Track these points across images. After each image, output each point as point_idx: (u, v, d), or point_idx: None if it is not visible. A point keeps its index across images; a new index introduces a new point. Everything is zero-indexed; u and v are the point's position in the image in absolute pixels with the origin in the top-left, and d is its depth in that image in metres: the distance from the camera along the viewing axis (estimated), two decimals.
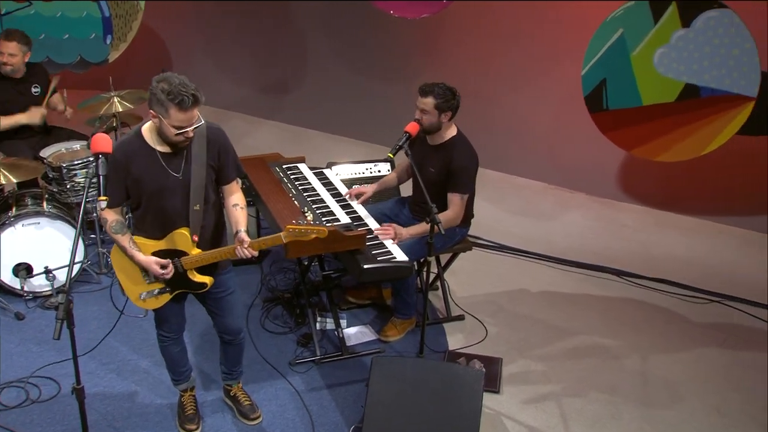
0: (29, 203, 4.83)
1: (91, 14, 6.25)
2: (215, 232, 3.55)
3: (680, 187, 6.44)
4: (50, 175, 4.93)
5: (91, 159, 4.53)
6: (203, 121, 3.26)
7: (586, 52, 4.91)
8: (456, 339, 4.76)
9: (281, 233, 3.45)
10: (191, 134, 3.19)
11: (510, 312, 5.07)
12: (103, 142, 3.05)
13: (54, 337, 2.75)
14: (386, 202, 4.91)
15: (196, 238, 3.41)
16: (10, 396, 4.06)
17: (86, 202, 3.19)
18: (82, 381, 3.09)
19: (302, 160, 5.00)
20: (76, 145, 5.15)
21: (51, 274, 4.77)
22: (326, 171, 5.05)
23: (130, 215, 3.50)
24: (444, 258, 4.98)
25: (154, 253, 3.40)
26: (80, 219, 3.07)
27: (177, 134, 3.14)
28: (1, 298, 4.77)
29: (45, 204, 4.82)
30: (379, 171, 5.40)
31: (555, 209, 6.63)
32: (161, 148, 3.27)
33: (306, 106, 8.02)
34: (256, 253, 3.43)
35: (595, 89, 4.95)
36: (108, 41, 6.37)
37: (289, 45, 7.87)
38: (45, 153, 5.10)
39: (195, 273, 3.48)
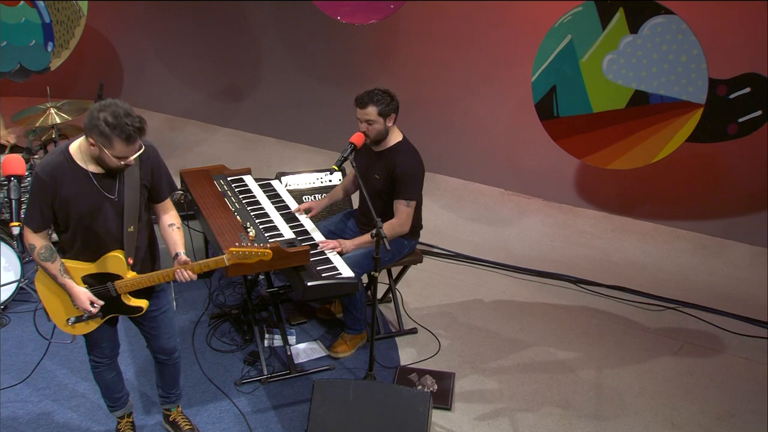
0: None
1: (30, 20, 6.01)
2: (148, 253, 3.42)
3: (637, 193, 6.40)
4: None
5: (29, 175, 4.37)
6: (144, 147, 3.11)
7: (535, 58, 4.82)
8: (408, 353, 4.65)
9: (224, 256, 3.35)
10: (133, 162, 3.06)
11: (464, 324, 4.98)
12: (16, 164, 2.89)
13: None
14: (332, 218, 4.79)
15: (131, 261, 3.26)
16: None
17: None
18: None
19: (248, 172, 4.85)
20: None
21: None
22: (274, 183, 4.91)
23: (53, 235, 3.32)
24: (396, 270, 4.86)
25: (86, 277, 3.23)
26: None
27: (118, 164, 3.00)
28: None
29: None
30: (330, 180, 5.29)
31: (513, 215, 6.55)
32: (93, 168, 3.10)
33: (261, 112, 7.87)
34: (195, 277, 3.30)
35: (545, 96, 4.86)
36: (50, 48, 6.13)
37: (243, 50, 7.71)
38: None
39: (129, 297, 3.33)
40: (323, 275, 3.93)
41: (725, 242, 6.12)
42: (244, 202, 4.47)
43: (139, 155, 3.16)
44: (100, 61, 8.08)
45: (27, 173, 4.66)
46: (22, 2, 5.97)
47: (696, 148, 5.18)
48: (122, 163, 3.01)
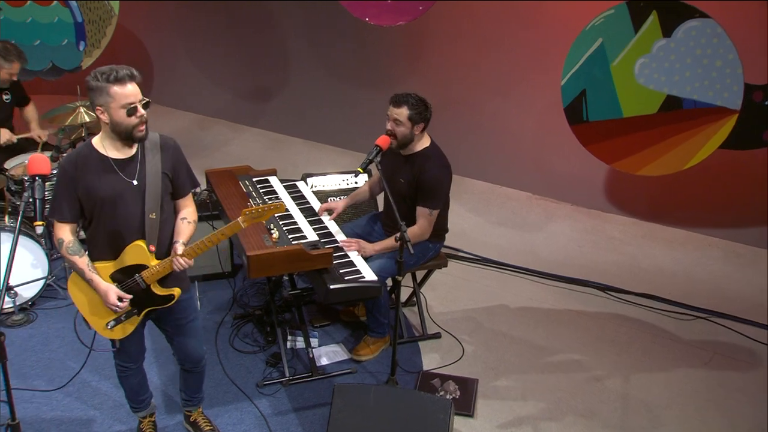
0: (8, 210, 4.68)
1: (63, 20, 6.09)
2: (170, 244, 3.40)
3: (669, 199, 6.28)
4: (12, 188, 4.79)
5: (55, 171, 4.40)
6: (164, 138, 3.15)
7: (565, 61, 4.75)
8: (431, 358, 4.60)
9: (238, 219, 3.27)
10: (144, 114, 3.06)
11: (488, 329, 4.92)
12: (41, 163, 2.89)
13: None
14: (359, 219, 4.76)
15: (153, 248, 3.25)
16: None
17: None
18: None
19: (273, 173, 4.83)
20: None
21: (12, 291, 4.61)
22: (299, 184, 4.89)
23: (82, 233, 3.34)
24: (420, 273, 4.82)
25: (114, 274, 3.24)
26: (15, 238, 2.91)
27: (129, 115, 3.01)
28: None
29: (7, 218, 4.68)
30: (356, 183, 5.25)
31: (540, 220, 6.47)
32: (114, 154, 3.13)
33: (288, 113, 7.87)
34: (191, 262, 3.25)
35: (574, 100, 4.78)
36: (81, 48, 6.20)
37: (272, 50, 7.72)
38: (9, 164, 4.96)
39: (158, 286, 3.31)
40: (346, 278, 3.90)
41: (759, 251, 5.98)
42: (269, 203, 4.45)
43: (161, 146, 3.22)
44: (131, 61, 8.05)
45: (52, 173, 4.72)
46: (55, 2, 6.05)
47: (730, 154, 5.07)
48: (135, 117, 3.01)
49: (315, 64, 7.54)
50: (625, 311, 5.20)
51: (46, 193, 2.93)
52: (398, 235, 3.74)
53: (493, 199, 6.79)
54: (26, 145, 5.37)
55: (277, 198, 4.56)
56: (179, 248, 3.24)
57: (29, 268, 4.65)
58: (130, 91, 3.01)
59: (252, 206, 3.29)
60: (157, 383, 4.25)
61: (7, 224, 4.60)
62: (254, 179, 4.73)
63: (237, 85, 8.09)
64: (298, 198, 4.65)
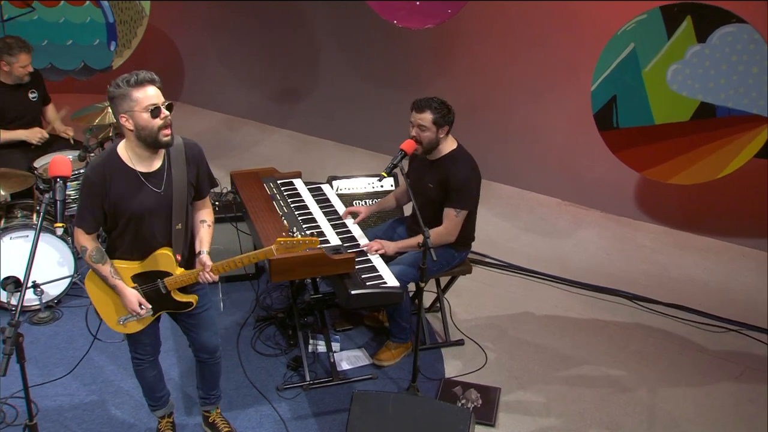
0: (19, 215, 4.73)
1: (95, 20, 6.15)
2: (192, 249, 3.41)
3: (702, 207, 6.14)
4: (41, 187, 4.83)
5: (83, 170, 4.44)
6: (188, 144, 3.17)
7: (595, 66, 4.65)
8: (453, 365, 4.54)
9: (272, 247, 3.27)
10: (168, 116, 3.04)
11: (513, 337, 4.84)
12: (62, 165, 2.90)
13: (0, 373, 2.61)
14: (382, 225, 4.73)
15: (179, 258, 3.27)
16: None
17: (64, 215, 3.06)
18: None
19: (298, 176, 4.82)
20: (70, 156, 5.03)
21: (39, 289, 4.65)
22: (324, 187, 4.87)
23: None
24: (445, 279, 4.76)
25: (135, 276, 3.26)
26: (37, 234, 2.93)
27: (154, 116, 2.98)
28: None
29: (35, 216, 4.72)
30: (382, 186, 5.22)
31: (569, 227, 6.37)
32: (141, 167, 3.13)
33: (318, 114, 7.87)
34: (216, 278, 3.28)
35: (604, 106, 4.69)
36: (112, 47, 6.26)
37: (302, 51, 7.72)
38: (38, 163, 5.00)
39: (178, 293, 3.34)
40: (368, 284, 3.86)
41: None
42: (292, 206, 4.44)
43: (186, 154, 3.21)
44: (162, 60, 8.20)
45: (73, 174, 4.75)
46: (87, 2, 6.11)
47: (766, 163, 4.93)
48: (160, 119, 3.00)
49: (345, 66, 7.52)
50: (653, 322, 5.09)
51: (67, 194, 2.93)
52: (422, 240, 3.70)
53: (521, 204, 6.71)
54: (60, 144, 5.42)
55: (300, 199, 4.54)
56: (206, 260, 3.26)
57: (55, 266, 4.69)
58: (152, 94, 3.00)
59: (286, 236, 3.29)
60: (176, 381, 4.26)
61: (35, 222, 4.64)
62: (279, 181, 4.72)
63: (266, 85, 8.10)
64: (322, 201, 4.63)
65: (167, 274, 3.26)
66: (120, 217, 3.14)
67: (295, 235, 3.98)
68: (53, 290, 4.74)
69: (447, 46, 6.83)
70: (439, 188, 4.23)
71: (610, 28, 4.80)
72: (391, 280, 3.92)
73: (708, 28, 4.27)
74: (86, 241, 3.17)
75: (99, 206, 3.10)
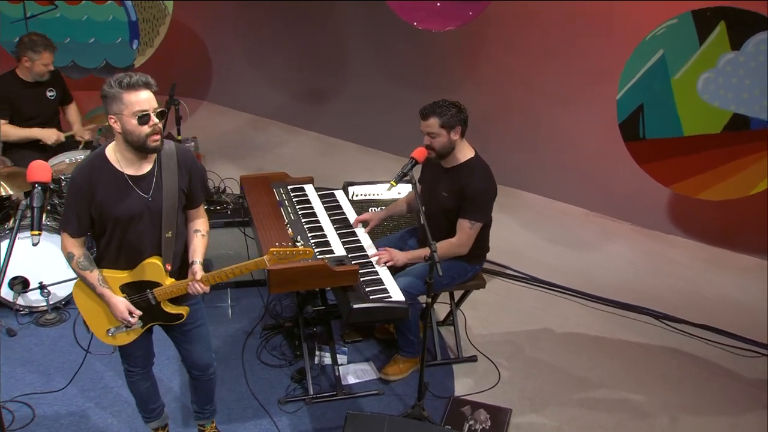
0: (28, 215, 4.66)
1: (118, 18, 6.11)
2: (184, 259, 3.28)
3: (739, 222, 5.83)
4: (51, 187, 4.78)
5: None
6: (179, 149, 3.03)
7: (621, 73, 4.42)
8: (464, 383, 4.36)
9: (264, 257, 3.16)
10: (158, 123, 2.91)
11: (528, 355, 4.64)
12: (41, 170, 2.80)
13: None
14: (393, 235, 4.57)
15: (169, 267, 3.15)
16: None
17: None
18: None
19: (309, 181, 4.68)
20: (80, 156, 4.99)
21: (45, 290, 4.61)
22: (337, 193, 4.72)
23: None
24: (458, 292, 4.58)
25: (124, 286, 3.14)
26: (12, 238, 2.83)
27: (141, 123, 2.86)
28: None
29: (44, 217, 4.66)
30: (399, 193, 5.05)
31: (596, 239, 6.12)
32: (129, 170, 3.01)
33: (344, 117, 7.73)
34: (207, 289, 3.15)
35: (630, 116, 4.45)
36: (134, 46, 6.21)
37: (330, 53, 7.59)
38: (52, 163, 4.96)
39: (169, 304, 3.22)
40: (371, 297, 3.71)
41: None
42: (300, 213, 4.30)
43: (177, 159, 3.09)
44: (189, 59, 8.16)
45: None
46: (110, 0, 6.07)
47: None
48: (148, 126, 2.88)
49: (372, 67, 7.37)
50: (680, 343, 4.83)
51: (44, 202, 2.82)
52: (428, 253, 3.53)
53: (547, 214, 6.47)
54: (73, 143, 5.38)
55: (309, 206, 4.40)
56: (198, 271, 3.14)
57: (63, 267, 4.62)
58: (144, 98, 2.87)
59: (279, 246, 3.14)
60: (176, 392, 4.16)
61: (44, 223, 4.58)
62: (289, 187, 4.59)
63: (293, 86, 7.99)
64: (333, 208, 4.48)
65: (156, 284, 3.14)
66: (106, 221, 3.03)
67: (298, 244, 3.84)
68: (61, 292, 4.69)
69: (474, 49, 6.63)
70: (453, 198, 4.06)
71: (642, 33, 4.56)
72: (396, 295, 3.76)
73: (743, 34, 4.00)
74: (73, 247, 3.07)
75: (85, 209, 3.00)
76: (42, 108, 5.27)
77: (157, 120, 2.91)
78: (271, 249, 3.12)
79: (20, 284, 4.59)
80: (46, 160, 4.97)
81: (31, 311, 4.70)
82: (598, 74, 5.97)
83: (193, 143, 6.57)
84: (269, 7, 7.65)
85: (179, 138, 5.16)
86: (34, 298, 4.68)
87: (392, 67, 7.25)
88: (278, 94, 8.07)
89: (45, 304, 4.65)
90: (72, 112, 5.57)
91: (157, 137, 2.93)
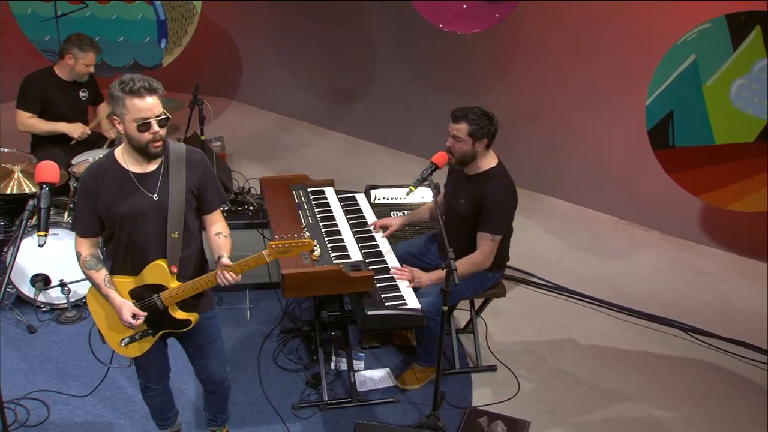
0: (51, 213, 4.70)
1: (146, 17, 6.14)
2: (198, 263, 3.24)
3: None
4: (74, 185, 4.81)
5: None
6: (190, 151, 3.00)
7: (651, 79, 4.28)
8: (482, 393, 4.27)
9: (263, 252, 3.08)
10: (159, 131, 2.89)
11: (550, 366, 4.53)
12: (49, 171, 2.78)
13: None
14: (416, 239, 4.50)
15: (175, 269, 3.09)
16: None
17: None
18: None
19: (330, 184, 4.63)
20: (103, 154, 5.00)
21: (66, 287, 4.63)
22: (358, 197, 4.66)
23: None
24: (478, 300, 4.49)
25: (132, 291, 3.12)
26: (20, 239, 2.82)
27: (141, 129, 2.84)
28: (18, 309, 4.68)
29: (66, 215, 4.69)
30: (422, 197, 4.98)
31: (625, 248, 5.97)
32: (135, 168, 3.00)
33: (371, 118, 7.68)
34: (239, 278, 3.08)
35: (660, 122, 4.32)
36: (163, 45, 6.23)
37: (358, 54, 7.54)
38: (75, 161, 4.98)
39: (177, 309, 3.18)
40: (387, 304, 3.64)
41: None
42: (318, 216, 4.25)
43: (187, 160, 3.06)
44: (220, 58, 8.18)
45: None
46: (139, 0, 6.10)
47: None
48: (148, 132, 2.85)
49: (400, 69, 7.30)
50: (708, 358, 4.69)
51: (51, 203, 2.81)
52: (445, 263, 3.45)
53: (575, 220, 6.34)
54: (97, 142, 5.40)
55: (328, 209, 4.35)
56: (227, 261, 3.08)
57: None
58: (146, 105, 2.84)
59: (279, 239, 3.08)
60: (191, 399, 4.12)
61: (65, 221, 4.61)
62: (309, 189, 4.55)
63: (321, 87, 7.96)
64: (352, 212, 4.42)
65: (162, 287, 3.10)
66: (113, 221, 3.01)
67: (314, 249, 3.78)
68: (82, 289, 4.70)
69: (504, 52, 6.52)
70: (471, 206, 3.97)
71: (678, 37, 4.42)
72: (412, 302, 3.69)
73: None
74: (81, 246, 3.08)
75: (93, 209, 3.00)
76: (74, 107, 5.30)
77: (158, 128, 2.89)
78: (270, 243, 3.07)
79: (41, 281, 4.62)
80: (71, 159, 5.05)
81: (52, 308, 4.73)
82: (630, 78, 5.82)
83: (219, 143, 6.59)
84: (300, 8, 7.62)
85: (203, 138, 5.15)
86: (55, 295, 4.70)
87: (420, 68, 7.18)
88: (306, 94, 8.05)
89: (65, 301, 4.67)
90: (102, 110, 5.60)
91: (158, 144, 2.91)
